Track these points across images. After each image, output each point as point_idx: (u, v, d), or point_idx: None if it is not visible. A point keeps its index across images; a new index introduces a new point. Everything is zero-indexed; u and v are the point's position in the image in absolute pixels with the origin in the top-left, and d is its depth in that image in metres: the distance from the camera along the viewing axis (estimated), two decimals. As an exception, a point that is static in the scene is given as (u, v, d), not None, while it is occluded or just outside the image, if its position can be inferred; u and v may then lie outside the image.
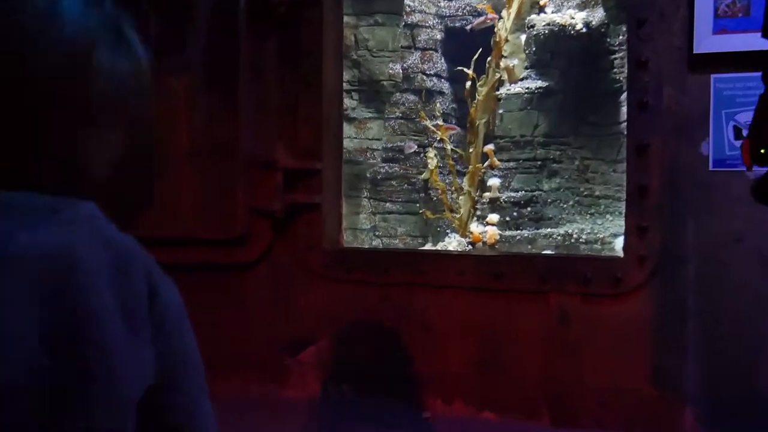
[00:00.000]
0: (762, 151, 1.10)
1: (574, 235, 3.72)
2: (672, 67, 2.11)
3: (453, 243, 4.15)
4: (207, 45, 2.63)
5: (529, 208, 4.16)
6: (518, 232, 4.08)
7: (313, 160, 2.74)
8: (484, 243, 4.01)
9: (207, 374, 0.63)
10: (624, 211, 2.30)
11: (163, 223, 2.61)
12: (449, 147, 4.46)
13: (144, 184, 0.70)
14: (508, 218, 4.20)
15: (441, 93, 4.99)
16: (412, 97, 4.89)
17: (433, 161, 4.44)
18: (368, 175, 4.80)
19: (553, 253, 3.54)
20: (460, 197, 4.35)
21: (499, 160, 4.34)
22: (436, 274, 2.40)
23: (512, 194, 4.28)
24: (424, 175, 4.59)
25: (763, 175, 1.17)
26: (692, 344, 2.08)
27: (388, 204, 4.75)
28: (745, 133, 2.04)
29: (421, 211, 4.61)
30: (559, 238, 3.77)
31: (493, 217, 4.19)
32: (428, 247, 4.40)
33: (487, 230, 4.08)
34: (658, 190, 2.12)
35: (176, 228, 2.68)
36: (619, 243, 3.22)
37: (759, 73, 2.01)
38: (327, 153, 2.79)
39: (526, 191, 4.24)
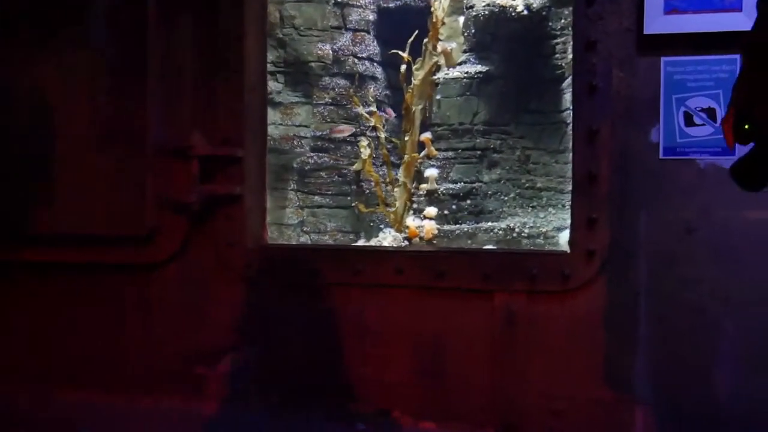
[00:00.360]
0: (746, 126, 1.06)
1: (516, 229, 3.73)
2: (622, 48, 2.09)
3: (388, 238, 4.09)
4: (111, 17, 2.44)
5: (468, 201, 4.14)
6: (457, 226, 4.06)
7: (233, 147, 2.59)
8: (421, 238, 3.98)
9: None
10: (570, 202, 2.27)
11: (62, 218, 2.44)
12: (383, 135, 4.39)
13: None
14: (446, 211, 4.18)
15: (374, 78, 4.95)
16: (342, 82, 4.83)
17: (366, 151, 4.41)
18: (295, 166, 4.69)
19: (496, 248, 3.50)
20: (395, 189, 4.31)
21: (436, 150, 4.30)
22: (371, 273, 2.30)
23: (451, 186, 4.25)
24: (357, 166, 4.56)
25: (744, 155, 1.14)
26: (645, 342, 2.07)
27: (317, 197, 4.69)
28: (697, 119, 2.04)
29: (353, 205, 4.56)
30: (500, 232, 3.77)
31: (431, 211, 4.16)
32: (361, 243, 4.33)
33: (425, 224, 4.05)
34: (607, 179, 2.10)
35: (77, 224, 2.51)
36: (563, 237, 3.22)
37: (710, 57, 2.03)
38: (249, 140, 2.65)
39: (465, 182, 4.22)
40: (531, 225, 3.74)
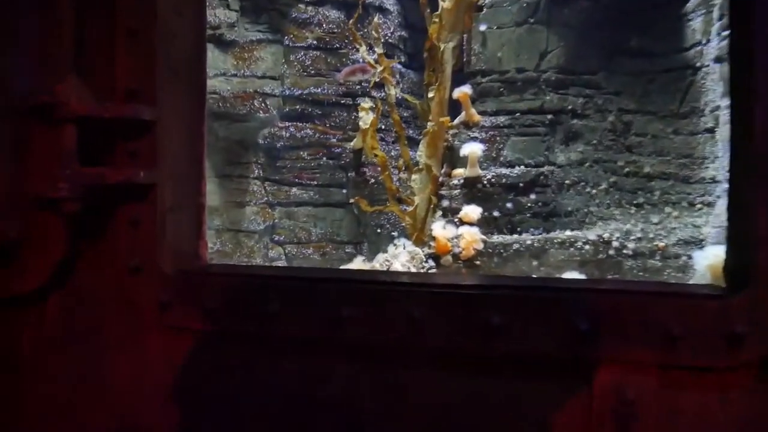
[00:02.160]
0: None
1: (614, 243, 3.37)
2: None
3: (402, 256, 3.75)
4: None
5: (532, 196, 3.85)
6: (515, 236, 3.73)
7: (138, 105, 2.16)
8: (457, 256, 3.65)
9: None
10: (729, 195, 1.76)
11: None
12: (394, 92, 4.12)
13: None
14: (496, 213, 3.85)
15: (381, 9, 4.78)
16: (333, 14, 4.65)
17: (368, 117, 4.18)
18: (261, 141, 4.50)
19: (588, 279, 3.10)
20: (414, 177, 4.04)
21: (480, 114, 4.02)
22: (367, 326, 1.81)
23: (504, 171, 3.95)
24: (356, 142, 4.43)
25: None
26: None
27: (294, 189, 4.55)
28: None
29: (350, 201, 4.37)
30: (587, 247, 3.44)
31: (472, 212, 3.82)
32: (359, 263, 4.01)
33: (462, 234, 3.68)
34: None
35: None
36: (701, 259, 2.87)
37: None
38: (171, 93, 2.22)
39: (527, 166, 3.93)
40: (638, 235, 3.37)
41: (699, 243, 3.06)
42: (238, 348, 2.12)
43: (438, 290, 1.94)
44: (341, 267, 3.95)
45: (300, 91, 4.54)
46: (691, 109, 3.53)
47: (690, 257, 3.14)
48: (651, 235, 3.43)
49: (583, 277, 3.22)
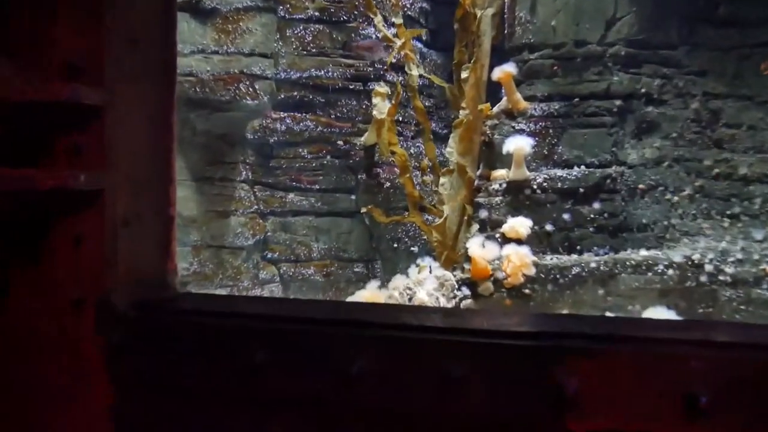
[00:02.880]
0: None
1: (706, 266, 3.18)
2: None
3: (428, 282, 3.59)
4: None
5: (596, 204, 3.68)
6: (574, 257, 3.57)
7: (81, 84, 1.99)
8: (500, 282, 3.49)
9: None
10: None
11: None
12: (417, 73, 3.99)
13: None
14: (549, 226, 3.69)
15: None
16: None
17: (383, 105, 4.02)
18: (249, 136, 4.38)
19: (690, 320, 2.83)
20: (442, 180, 3.90)
21: (527, 99, 3.84)
22: (381, 394, 1.58)
23: (559, 173, 3.80)
24: (367, 137, 4.29)
25: None
26: None
27: (292, 195, 4.43)
28: None
29: (362, 211, 4.26)
30: (670, 271, 3.25)
31: (518, 225, 3.65)
32: (373, 290, 3.83)
33: (506, 254, 3.51)
34: None
35: None
36: None
37: None
38: (126, 70, 2.12)
39: (588, 166, 3.78)
40: (737, 256, 3.21)
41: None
42: (212, 410, 1.87)
43: (484, 338, 1.66)
44: (350, 297, 3.84)
45: (298, 74, 4.44)
46: (798, 92, 3.30)
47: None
48: (755, 257, 3.26)
49: (670, 314, 3.04)
